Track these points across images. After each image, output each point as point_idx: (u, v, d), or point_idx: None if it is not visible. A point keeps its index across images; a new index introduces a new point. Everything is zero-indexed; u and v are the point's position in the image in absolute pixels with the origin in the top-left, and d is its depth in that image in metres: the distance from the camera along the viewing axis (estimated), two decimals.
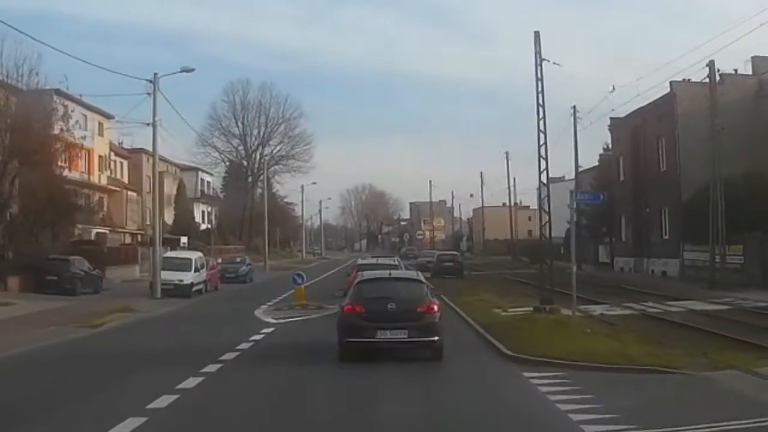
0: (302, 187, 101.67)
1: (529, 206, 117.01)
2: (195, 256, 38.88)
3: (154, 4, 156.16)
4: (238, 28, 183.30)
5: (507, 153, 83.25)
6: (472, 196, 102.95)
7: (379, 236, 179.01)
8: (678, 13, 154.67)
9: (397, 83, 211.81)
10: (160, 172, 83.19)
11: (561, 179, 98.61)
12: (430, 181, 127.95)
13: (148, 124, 37.07)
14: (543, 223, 28.38)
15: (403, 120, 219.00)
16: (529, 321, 21.54)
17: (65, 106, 52.44)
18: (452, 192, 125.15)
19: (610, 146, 57.95)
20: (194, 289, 37.16)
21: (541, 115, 26.80)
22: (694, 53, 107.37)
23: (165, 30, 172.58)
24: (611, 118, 52.56)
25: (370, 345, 15.32)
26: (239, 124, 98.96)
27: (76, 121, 44.16)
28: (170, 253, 40.82)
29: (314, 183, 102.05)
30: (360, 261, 36.15)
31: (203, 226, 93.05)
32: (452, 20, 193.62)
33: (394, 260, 36.13)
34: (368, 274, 18.43)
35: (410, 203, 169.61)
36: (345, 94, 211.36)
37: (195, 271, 37.39)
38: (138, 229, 72.14)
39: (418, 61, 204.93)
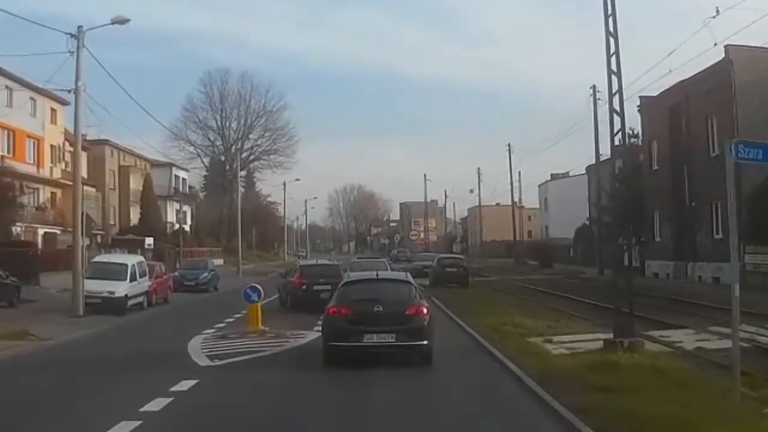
0: (284, 183, 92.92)
1: (524, 206, 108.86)
2: (133, 260, 30.10)
3: (145, 6, 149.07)
4: (234, 29, 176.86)
5: (509, 145, 74.65)
6: (471, 191, 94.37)
7: (368, 238, 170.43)
8: (677, 10, 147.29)
9: (388, 84, 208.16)
10: (125, 167, 74.93)
11: (564, 175, 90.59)
12: (425, 175, 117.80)
13: (69, 91, 28.29)
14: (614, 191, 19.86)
15: (392, 121, 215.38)
16: (611, 370, 12.91)
17: None
18: (445, 191, 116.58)
19: (635, 131, 49.12)
20: (130, 303, 28.44)
21: (612, 50, 18.12)
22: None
23: (156, 32, 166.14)
24: (641, 97, 44.01)
25: (356, 349, 14.42)
26: (217, 116, 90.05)
27: None
28: (101, 257, 31.96)
29: (298, 179, 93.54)
30: (301, 262, 35.05)
31: (178, 227, 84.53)
32: (448, 21, 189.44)
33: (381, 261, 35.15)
34: (355, 275, 17.87)
35: (401, 203, 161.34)
36: (335, 96, 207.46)
37: (132, 280, 28.64)
38: (98, 229, 63.34)
39: (409, 62, 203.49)
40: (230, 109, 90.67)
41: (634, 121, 48.36)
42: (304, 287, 27.72)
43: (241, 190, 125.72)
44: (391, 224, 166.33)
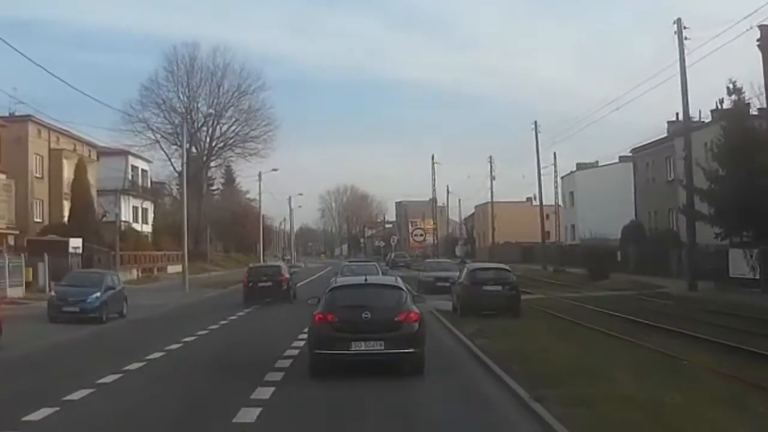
0: (260, 174, 77.67)
1: (558, 203, 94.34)
2: None
3: (134, 11, 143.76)
4: (222, 35, 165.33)
5: (536, 123, 58.98)
6: (494, 178, 78.09)
7: (362, 240, 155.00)
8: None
9: (382, 87, 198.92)
10: (57, 150, 59.55)
11: (593, 165, 75.35)
12: (433, 156, 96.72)
13: None
14: None
15: (385, 124, 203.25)
16: None
17: None
18: (447, 186, 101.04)
19: (737, 84, 33.24)
20: None
21: None
22: None
23: (145, 36, 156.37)
24: (763, 27, 28.78)
25: (343, 357, 13.37)
26: (182, 96, 74.24)
27: None
28: None
29: (275, 170, 78.06)
30: (251, 265, 41.53)
31: (137, 227, 69.40)
32: (436, 26, 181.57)
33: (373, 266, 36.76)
34: (342, 279, 17.29)
35: (397, 203, 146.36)
36: (327, 99, 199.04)
37: None
38: (8, 227, 48.01)
39: (402, 66, 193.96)
40: (198, 87, 75.14)
41: (738, 69, 33.07)
42: (250, 284, 33.01)
43: (219, 186, 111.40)
44: (386, 226, 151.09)
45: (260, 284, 32.78)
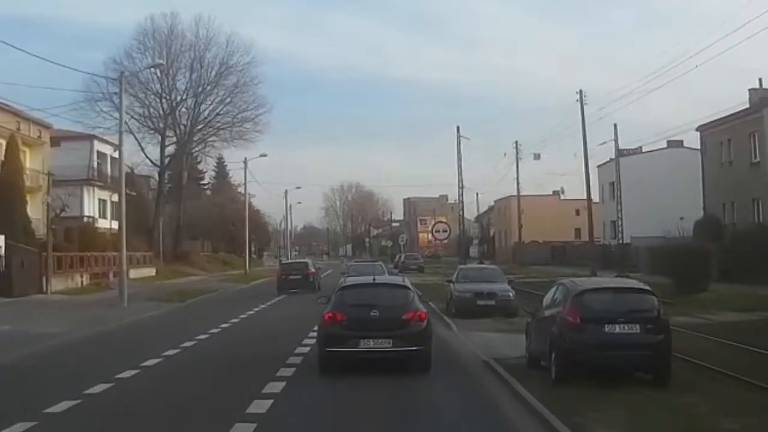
0: (245, 160, 66.12)
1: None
2: None
3: (132, 9, 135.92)
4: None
5: (581, 92, 46.90)
6: (538, 156, 65.46)
7: (367, 239, 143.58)
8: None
9: (383, 85, 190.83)
10: None
11: (636, 151, 63.90)
12: (458, 127, 77.87)
13: None
14: None
15: (390, 122, 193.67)
16: None
17: None
18: (461, 180, 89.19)
19: None
20: None
21: None
22: None
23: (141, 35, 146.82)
24: None
25: (352, 355, 13.46)
26: (157, 70, 62.29)
27: None
28: None
29: (264, 155, 66.48)
30: (282, 261, 53.42)
31: (105, 223, 58.34)
32: (436, 25, 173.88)
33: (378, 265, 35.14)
34: (351, 279, 17.15)
35: (404, 199, 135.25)
36: (328, 97, 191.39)
37: None
38: None
39: (408, 65, 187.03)
40: (176, 59, 63.41)
41: None
42: (282, 276, 39.00)
43: (210, 181, 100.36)
44: (393, 224, 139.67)
45: (291, 277, 38.54)
